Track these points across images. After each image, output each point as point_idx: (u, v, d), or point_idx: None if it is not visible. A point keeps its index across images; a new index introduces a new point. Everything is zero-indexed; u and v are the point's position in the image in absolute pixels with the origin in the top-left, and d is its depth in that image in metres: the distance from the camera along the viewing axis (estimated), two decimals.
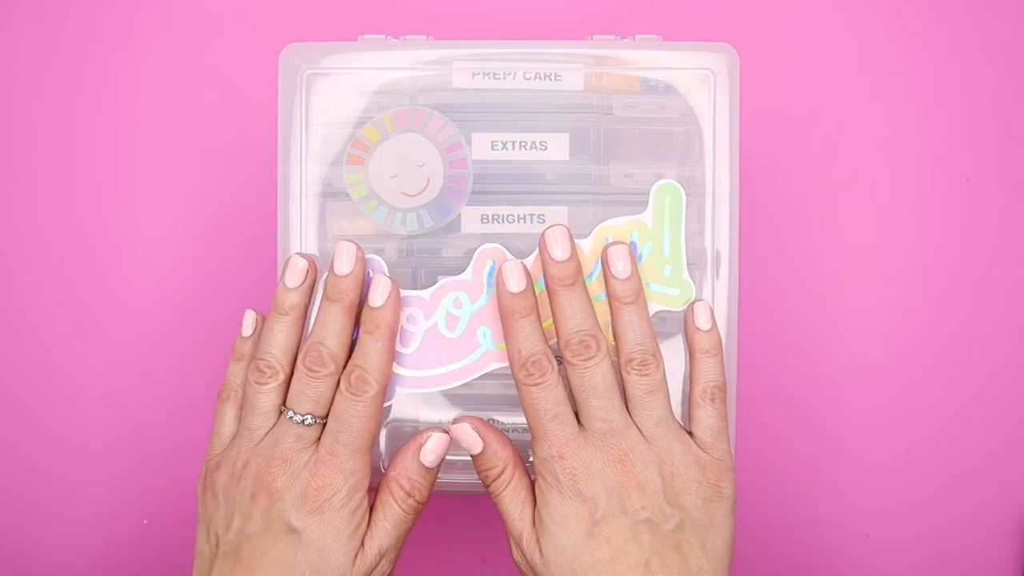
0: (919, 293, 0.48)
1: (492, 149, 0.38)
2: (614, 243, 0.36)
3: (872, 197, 0.48)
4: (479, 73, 0.38)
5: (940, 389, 0.48)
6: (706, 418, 0.36)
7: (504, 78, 0.38)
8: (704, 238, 0.38)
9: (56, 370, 0.48)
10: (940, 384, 0.48)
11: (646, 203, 0.37)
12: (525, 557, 0.35)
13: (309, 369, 0.35)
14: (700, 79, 0.38)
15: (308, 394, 0.35)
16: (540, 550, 0.34)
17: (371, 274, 0.37)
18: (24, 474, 0.49)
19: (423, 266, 0.38)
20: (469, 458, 0.37)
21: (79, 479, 0.49)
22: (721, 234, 0.38)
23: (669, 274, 0.37)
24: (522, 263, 0.36)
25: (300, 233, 0.38)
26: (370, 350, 0.35)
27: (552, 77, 0.38)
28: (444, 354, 0.37)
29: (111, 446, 0.49)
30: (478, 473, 0.37)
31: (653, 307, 0.37)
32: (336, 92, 0.38)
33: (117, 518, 0.49)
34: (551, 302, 0.36)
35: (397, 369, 0.37)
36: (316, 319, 0.36)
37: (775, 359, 0.48)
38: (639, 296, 0.36)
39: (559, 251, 0.35)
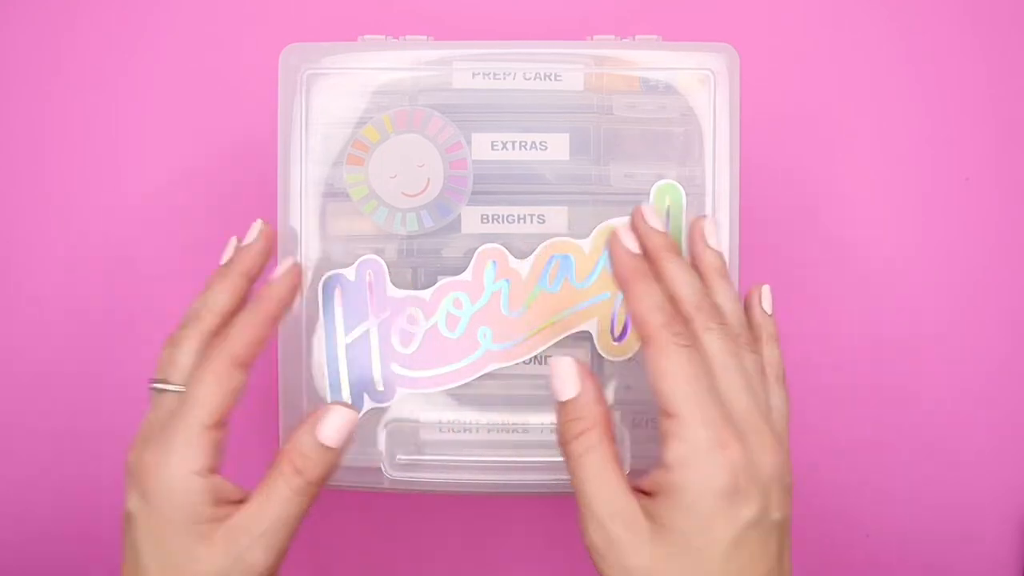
0: (918, 293, 0.48)
1: (492, 149, 0.38)
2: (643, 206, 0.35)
3: (872, 197, 0.48)
4: (479, 73, 0.38)
5: (940, 388, 0.48)
6: (779, 401, 0.35)
7: (504, 78, 0.38)
8: None
9: (56, 369, 0.48)
10: (940, 383, 0.48)
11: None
12: (608, 536, 0.30)
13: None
14: (700, 79, 0.38)
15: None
16: (655, 517, 0.29)
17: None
18: (24, 473, 0.49)
19: (423, 266, 0.38)
20: (470, 458, 0.37)
21: (78, 478, 0.49)
22: (721, 234, 0.38)
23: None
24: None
25: (300, 233, 0.38)
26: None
27: (552, 77, 0.38)
28: (444, 354, 0.37)
29: (113, 447, 0.49)
30: (558, 424, 0.32)
31: None
32: (336, 92, 0.38)
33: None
34: (661, 273, 0.33)
35: (397, 369, 0.37)
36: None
37: None
38: (674, 248, 0.35)
39: (654, 220, 0.35)
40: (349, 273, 0.37)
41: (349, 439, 0.32)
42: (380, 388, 0.37)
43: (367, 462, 0.37)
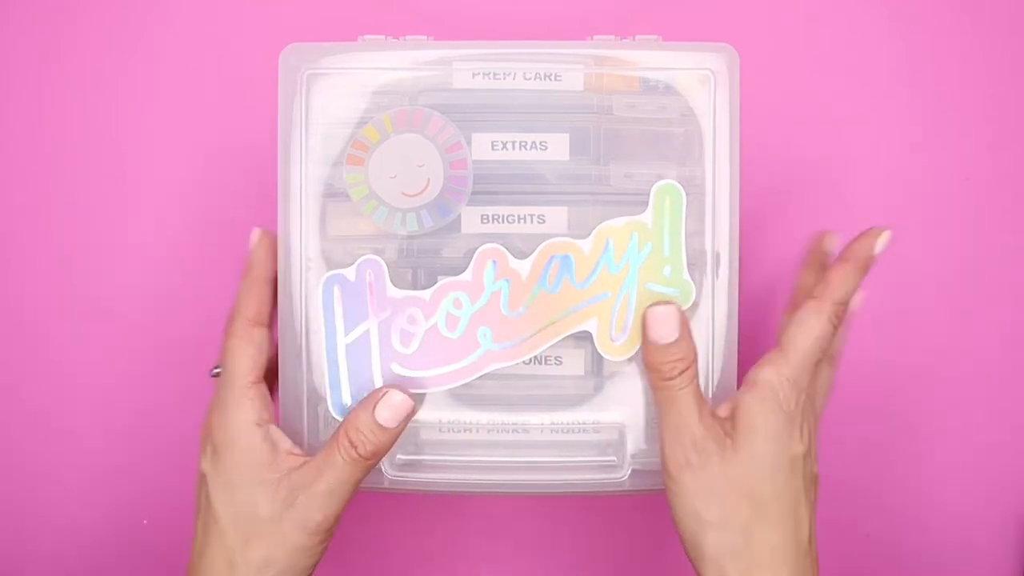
0: (918, 293, 0.48)
1: (492, 149, 0.38)
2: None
3: (872, 197, 0.48)
4: (479, 73, 0.38)
5: (940, 388, 0.48)
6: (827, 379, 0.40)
7: (504, 78, 0.38)
8: (704, 238, 0.38)
9: (56, 368, 0.48)
10: (940, 383, 0.48)
11: (646, 203, 0.37)
12: (701, 451, 0.35)
13: None
14: (700, 79, 0.38)
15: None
16: (733, 444, 0.35)
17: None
18: (22, 473, 0.49)
19: (423, 266, 0.38)
20: (470, 458, 0.37)
21: (77, 477, 0.49)
22: (721, 234, 0.38)
23: (669, 274, 0.37)
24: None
25: (300, 233, 0.38)
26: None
27: (552, 77, 0.38)
28: (444, 354, 0.37)
29: (110, 444, 0.49)
30: (656, 366, 0.36)
31: None
32: (336, 92, 0.38)
33: (117, 517, 0.49)
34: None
35: (397, 369, 0.37)
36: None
37: None
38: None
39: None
40: (349, 273, 0.37)
41: (403, 424, 0.35)
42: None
43: (395, 444, 0.37)
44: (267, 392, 0.37)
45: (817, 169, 0.48)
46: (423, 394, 0.37)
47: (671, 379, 0.36)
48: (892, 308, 0.48)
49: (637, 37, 0.39)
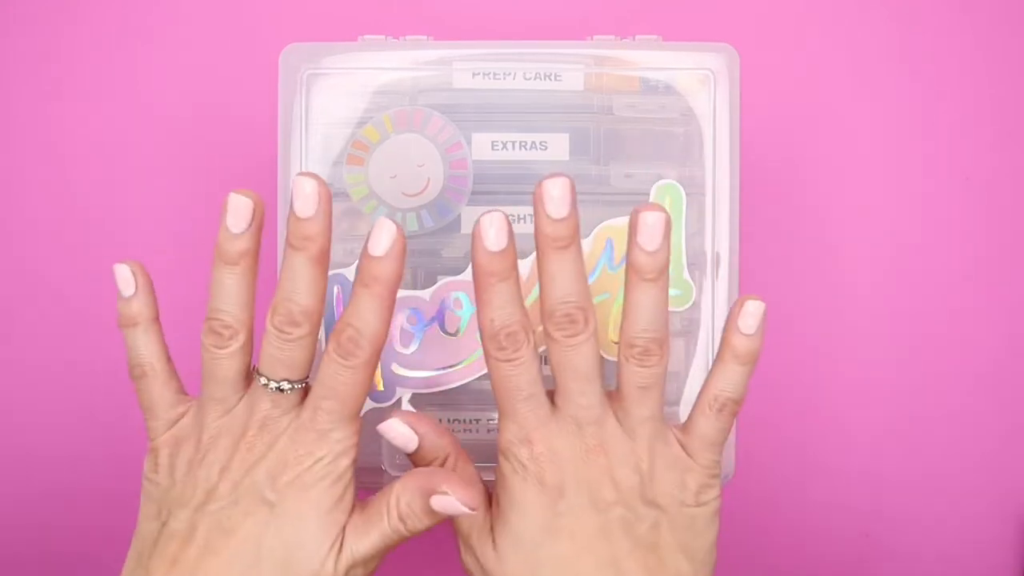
0: (919, 293, 0.48)
1: (492, 149, 0.38)
2: (650, 208, 0.31)
3: (872, 197, 0.48)
4: (479, 73, 0.38)
5: (940, 389, 0.48)
6: (706, 427, 0.32)
7: (504, 78, 0.38)
8: (704, 238, 0.38)
9: (55, 368, 0.48)
10: (940, 384, 0.48)
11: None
12: (476, 556, 0.32)
13: (279, 330, 0.30)
14: (700, 79, 0.38)
15: (281, 358, 0.31)
16: (494, 543, 0.32)
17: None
18: (22, 472, 0.49)
19: (423, 266, 0.38)
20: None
21: (75, 478, 0.49)
22: (721, 234, 0.38)
23: (669, 275, 0.37)
24: (504, 216, 0.31)
25: None
26: (365, 307, 0.30)
27: (552, 77, 0.38)
28: (444, 354, 0.37)
29: (107, 444, 0.49)
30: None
31: None
32: (336, 92, 0.38)
33: (114, 515, 0.49)
34: (539, 264, 0.31)
35: (397, 369, 0.37)
36: (282, 270, 0.31)
37: (775, 359, 0.48)
38: (662, 275, 0.31)
39: (556, 207, 0.30)
40: (349, 273, 0.37)
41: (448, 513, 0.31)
42: (380, 388, 0.37)
43: (367, 462, 0.37)
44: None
45: (817, 169, 0.48)
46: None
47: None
48: (892, 308, 0.48)
49: (637, 37, 0.39)
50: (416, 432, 0.33)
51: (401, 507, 0.31)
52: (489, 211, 0.30)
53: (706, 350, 0.38)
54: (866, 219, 0.48)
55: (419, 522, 0.31)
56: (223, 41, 0.49)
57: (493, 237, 0.30)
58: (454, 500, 0.31)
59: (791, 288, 0.49)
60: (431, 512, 0.31)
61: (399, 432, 0.33)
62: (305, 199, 0.30)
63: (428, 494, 0.31)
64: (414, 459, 0.34)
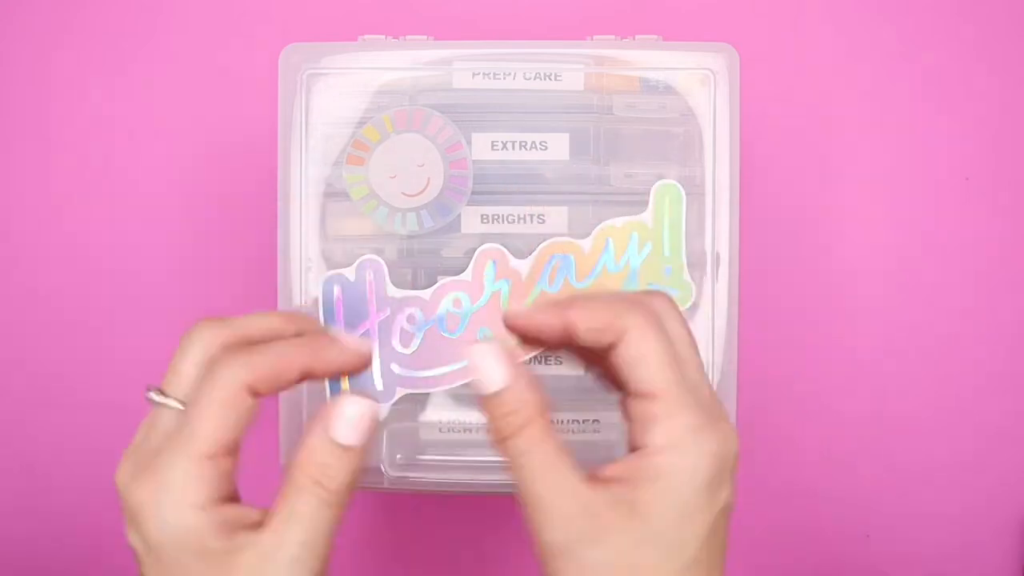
0: (919, 293, 0.48)
1: (492, 149, 0.38)
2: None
3: (872, 197, 0.48)
4: (479, 73, 0.38)
5: (940, 389, 0.48)
6: None
7: (504, 78, 0.38)
8: (704, 239, 0.38)
9: (55, 370, 0.48)
10: (940, 384, 0.48)
11: (646, 203, 0.37)
12: (571, 533, 0.27)
13: None
14: (700, 79, 0.38)
15: None
16: (630, 503, 0.26)
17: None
18: (21, 473, 0.49)
19: (423, 266, 0.38)
20: (470, 458, 0.37)
21: (75, 481, 0.49)
22: (721, 234, 0.38)
23: (669, 275, 0.37)
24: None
25: (300, 233, 0.38)
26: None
27: (552, 77, 0.38)
28: (444, 354, 0.37)
29: (109, 450, 0.49)
30: (490, 422, 0.28)
31: None
32: (336, 92, 0.38)
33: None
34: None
35: (397, 369, 0.37)
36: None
37: (775, 360, 0.48)
38: None
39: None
40: (349, 273, 0.37)
41: (371, 432, 0.28)
42: (380, 388, 0.37)
43: (367, 462, 0.37)
44: (235, 460, 0.27)
45: (817, 169, 0.48)
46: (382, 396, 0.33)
47: (503, 440, 0.28)
48: (892, 308, 0.48)
49: (637, 37, 0.39)
50: (508, 371, 0.28)
51: (309, 469, 0.27)
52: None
53: (706, 349, 0.38)
54: (866, 219, 0.49)
55: (338, 469, 0.28)
56: (223, 41, 0.49)
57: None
58: (355, 403, 0.28)
59: (791, 288, 0.49)
60: (342, 449, 0.28)
61: (488, 361, 0.28)
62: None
63: (325, 430, 0.28)
64: (489, 406, 0.28)
